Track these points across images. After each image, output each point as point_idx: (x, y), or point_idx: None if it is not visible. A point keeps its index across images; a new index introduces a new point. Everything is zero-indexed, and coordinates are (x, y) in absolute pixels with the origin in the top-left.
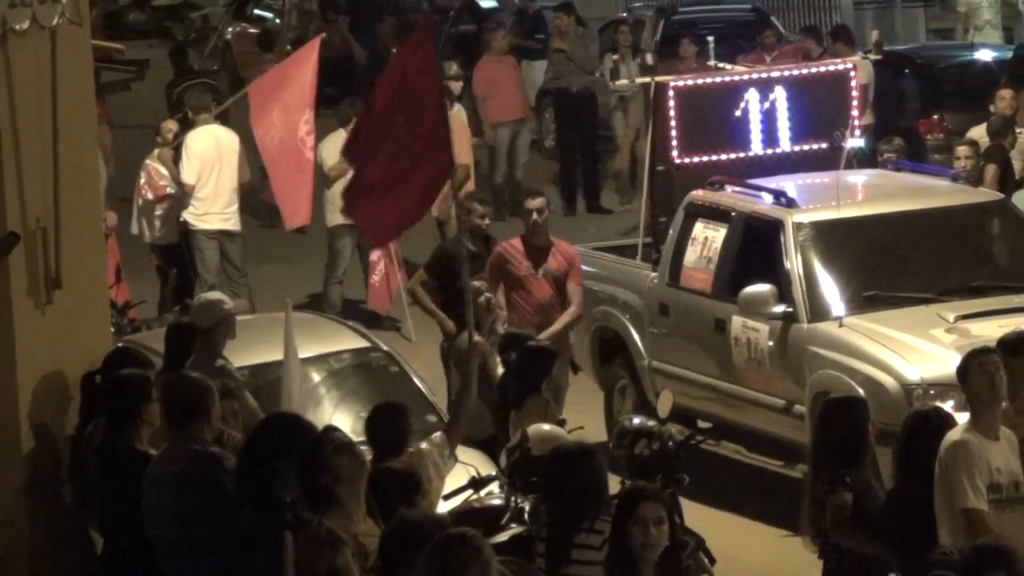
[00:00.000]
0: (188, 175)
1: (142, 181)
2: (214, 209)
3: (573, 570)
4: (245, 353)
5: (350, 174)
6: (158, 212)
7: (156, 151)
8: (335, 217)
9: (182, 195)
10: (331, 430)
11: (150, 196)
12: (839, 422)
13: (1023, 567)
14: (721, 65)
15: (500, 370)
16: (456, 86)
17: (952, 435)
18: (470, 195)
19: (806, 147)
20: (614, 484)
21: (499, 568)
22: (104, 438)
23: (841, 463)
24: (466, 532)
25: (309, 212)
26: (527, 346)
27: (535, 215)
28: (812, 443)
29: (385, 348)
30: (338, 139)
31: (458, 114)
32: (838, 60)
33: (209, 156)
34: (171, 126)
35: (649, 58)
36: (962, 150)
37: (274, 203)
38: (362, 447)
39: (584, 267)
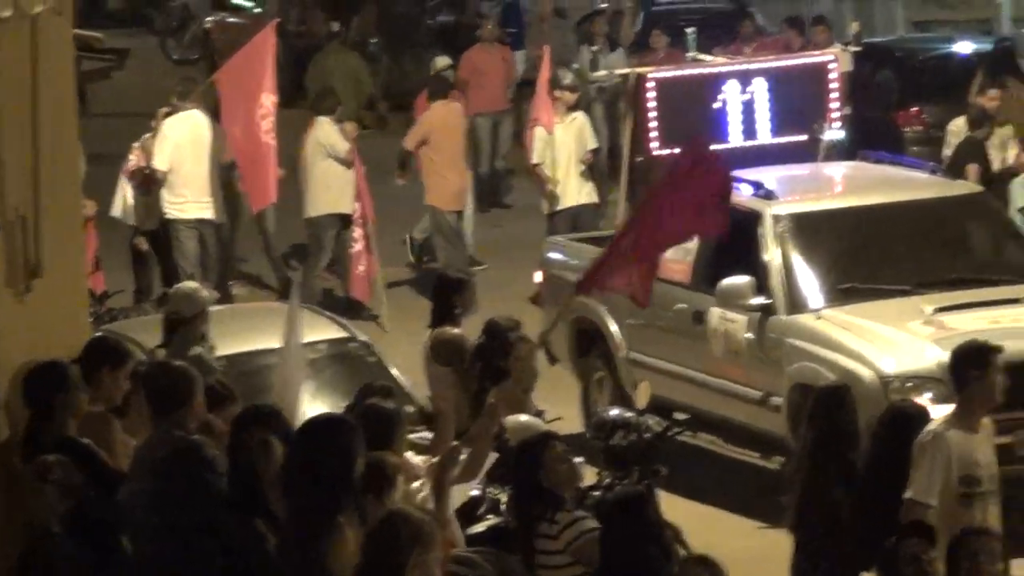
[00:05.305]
0: (160, 161)
1: (131, 164)
2: (191, 197)
3: (539, 560)
4: (222, 343)
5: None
6: (144, 196)
7: (145, 136)
8: (319, 207)
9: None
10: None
11: (137, 180)
12: (837, 411)
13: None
14: (700, 57)
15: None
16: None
17: (932, 425)
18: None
19: (785, 139)
20: (590, 475)
21: (438, 553)
22: (28, 429)
23: (844, 454)
24: (407, 510)
25: (275, 192)
26: (496, 329)
27: None
28: (811, 434)
29: (363, 338)
30: (327, 128)
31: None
32: (817, 52)
33: (184, 143)
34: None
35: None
36: None
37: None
38: None
39: (562, 258)
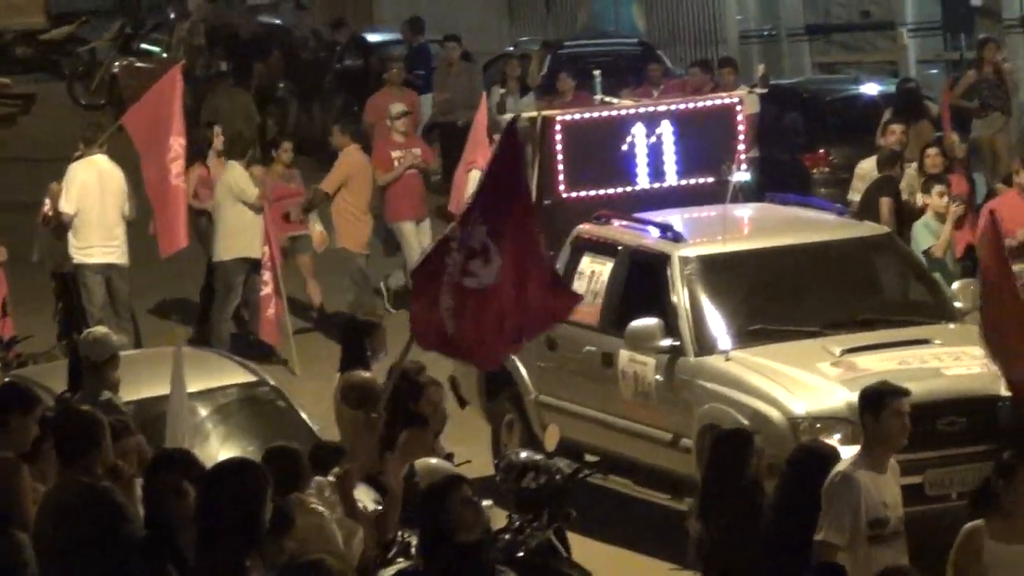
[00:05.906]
0: (67, 204)
1: (46, 208)
2: (97, 242)
3: None
4: (131, 388)
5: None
6: (59, 240)
7: (53, 183)
8: (229, 251)
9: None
10: None
11: (51, 224)
12: (738, 453)
13: None
14: (608, 99)
15: None
16: None
17: (840, 466)
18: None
19: (693, 181)
20: (500, 518)
21: None
22: None
23: (749, 496)
24: (327, 560)
25: (185, 235)
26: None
27: None
28: (713, 475)
29: (272, 383)
30: (237, 172)
31: None
32: (724, 94)
33: (90, 186)
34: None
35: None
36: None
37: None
38: None
39: None
